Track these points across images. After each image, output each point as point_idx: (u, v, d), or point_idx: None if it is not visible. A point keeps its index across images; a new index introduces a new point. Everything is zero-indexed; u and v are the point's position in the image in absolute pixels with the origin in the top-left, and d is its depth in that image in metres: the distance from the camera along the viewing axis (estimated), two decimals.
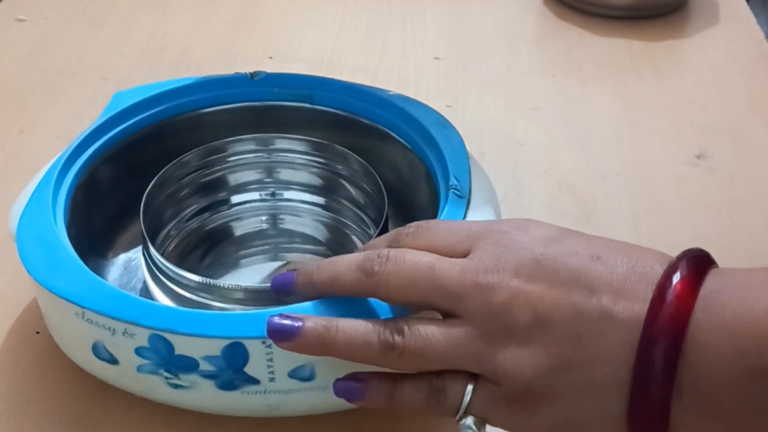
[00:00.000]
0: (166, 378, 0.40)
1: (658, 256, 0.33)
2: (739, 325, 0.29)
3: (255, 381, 0.39)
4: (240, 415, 0.42)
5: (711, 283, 0.31)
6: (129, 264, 0.51)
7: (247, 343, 0.38)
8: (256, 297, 0.42)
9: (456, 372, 0.35)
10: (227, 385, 0.39)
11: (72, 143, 0.49)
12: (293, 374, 0.39)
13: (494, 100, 0.68)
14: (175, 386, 0.40)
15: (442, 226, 0.38)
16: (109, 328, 0.39)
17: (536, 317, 0.32)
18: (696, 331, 0.30)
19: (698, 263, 0.32)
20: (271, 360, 0.38)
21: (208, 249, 0.53)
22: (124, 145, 0.51)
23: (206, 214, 0.54)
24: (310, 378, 0.39)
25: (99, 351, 0.40)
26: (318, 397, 0.40)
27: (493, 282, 0.33)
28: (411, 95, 0.53)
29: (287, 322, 0.36)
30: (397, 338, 0.34)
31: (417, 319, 0.35)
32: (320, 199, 0.54)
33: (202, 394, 0.40)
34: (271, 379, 0.39)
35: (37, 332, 0.48)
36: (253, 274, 0.51)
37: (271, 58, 0.73)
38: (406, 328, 0.35)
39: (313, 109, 0.54)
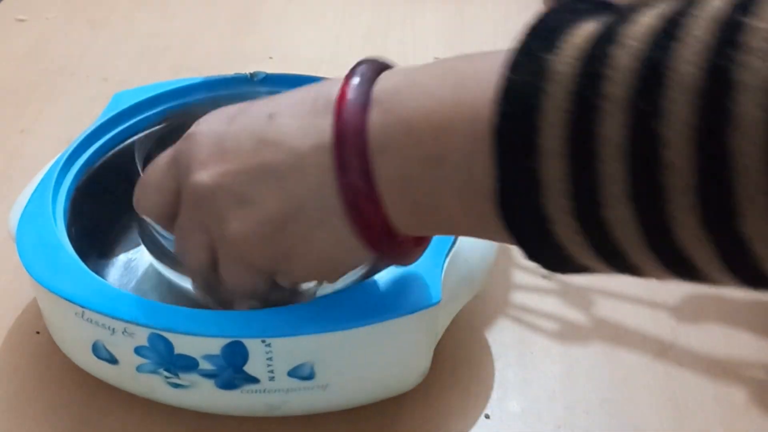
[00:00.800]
0: (166, 377, 0.40)
1: (336, 81, 0.34)
2: (415, 119, 0.31)
3: (255, 380, 0.39)
4: (240, 415, 0.42)
5: (386, 84, 0.33)
6: (129, 264, 0.51)
7: (247, 342, 0.38)
8: None
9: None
10: (227, 385, 0.39)
11: (72, 143, 0.49)
12: (293, 373, 0.39)
13: None
14: (175, 386, 0.40)
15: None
16: (109, 328, 0.39)
17: (238, 198, 0.34)
18: (376, 133, 0.32)
19: (372, 69, 0.34)
20: (270, 359, 0.38)
21: None
22: (124, 145, 0.51)
23: None
24: (310, 377, 0.39)
25: (99, 351, 0.40)
26: (318, 397, 0.40)
27: (190, 185, 0.36)
28: None
29: None
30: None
31: None
32: None
33: (202, 394, 0.40)
34: (271, 378, 0.39)
35: (37, 332, 0.48)
36: None
37: (271, 58, 0.74)
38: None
39: None
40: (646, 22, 0.26)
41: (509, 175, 0.28)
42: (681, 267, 0.27)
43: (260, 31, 0.78)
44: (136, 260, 0.51)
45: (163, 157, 0.39)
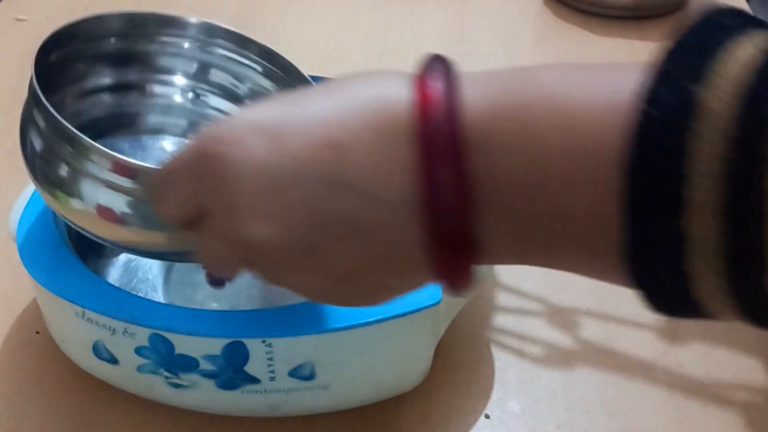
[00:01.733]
0: (167, 377, 0.40)
1: (386, 78, 0.28)
2: (540, 123, 0.25)
3: (255, 380, 0.39)
4: (240, 415, 0.42)
5: (476, 110, 0.26)
6: (129, 264, 0.51)
7: (248, 343, 0.38)
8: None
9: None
10: (227, 385, 0.39)
11: None
12: (293, 373, 0.39)
13: None
14: (176, 386, 0.40)
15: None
16: (110, 328, 0.39)
17: (302, 251, 0.28)
18: (481, 135, 0.26)
19: (446, 75, 0.27)
20: (271, 359, 0.38)
21: (102, 133, 0.46)
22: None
23: (110, 94, 0.47)
24: (310, 377, 0.39)
25: (99, 351, 0.40)
26: (318, 397, 0.40)
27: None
28: None
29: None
30: None
31: None
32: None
33: (203, 394, 0.40)
34: (272, 379, 0.39)
35: (37, 332, 0.48)
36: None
37: None
38: None
39: None
40: None
41: (645, 229, 0.23)
42: None
43: (260, 31, 0.78)
44: (136, 260, 0.51)
45: (183, 166, 0.31)
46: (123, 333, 0.39)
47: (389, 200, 0.27)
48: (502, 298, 0.51)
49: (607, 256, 0.25)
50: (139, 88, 0.47)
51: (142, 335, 0.38)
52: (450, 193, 0.26)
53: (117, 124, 0.47)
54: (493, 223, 0.26)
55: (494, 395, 0.45)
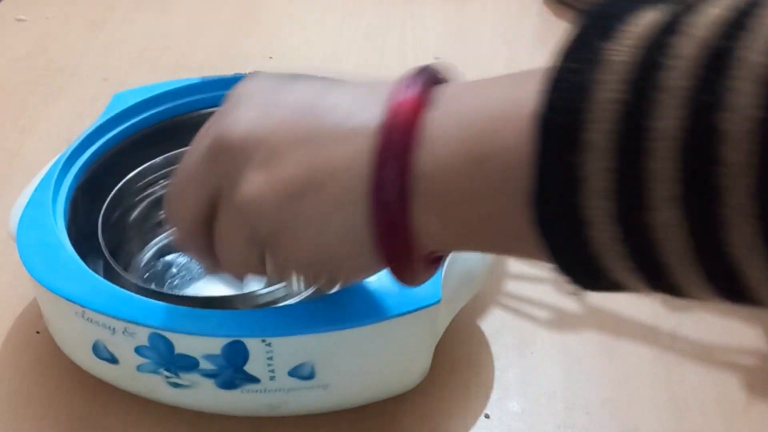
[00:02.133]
0: (166, 377, 0.40)
1: (397, 80, 0.32)
2: (466, 117, 0.28)
3: (255, 380, 0.39)
4: (240, 415, 0.42)
5: (445, 88, 0.30)
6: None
7: (248, 342, 0.38)
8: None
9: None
10: (227, 384, 0.39)
11: (72, 143, 0.49)
12: (293, 373, 0.39)
13: None
14: (176, 385, 0.40)
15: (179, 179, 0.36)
16: (110, 328, 0.39)
17: (266, 152, 0.32)
18: (427, 127, 0.29)
19: (433, 74, 0.31)
20: (271, 359, 0.38)
21: (171, 262, 0.52)
22: (124, 145, 0.51)
23: (168, 226, 0.52)
24: (310, 377, 0.39)
25: (99, 350, 0.40)
26: (318, 396, 0.40)
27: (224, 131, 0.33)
28: None
29: None
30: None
31: None
32: None
33: (203, 393, 0.40)
34: (272, 378, 0.39)
35: (37, 332, 0.48)
36: (217, 284, 0.50)
37: (271, 58, 0.74)
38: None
39: None
40: (713, 12, 0.24)
41: (547, 171, 0.26)
42: (729, 284, 0.24)
43: (260, 31, 0.78)
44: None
45: (197, 159, 0.34)
46: (123, 332, 0.39)
47: (350, 128, 0.31)
48: (503, 299, 0.51)
49: (519, 211, 0.27)
50: None
51: (142, 335, 0.38)
52: (399, 130, 0.29)
53: None
54: (426, 161, 0.29)
55: (494, 395, 0.45)
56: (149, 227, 0.52)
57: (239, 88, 0.34)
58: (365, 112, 0.31)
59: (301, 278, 0.34)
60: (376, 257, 0.31)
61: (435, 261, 0.34)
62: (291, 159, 0.31)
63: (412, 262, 0.31)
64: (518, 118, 0.26)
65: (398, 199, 0.29)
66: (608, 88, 0.24)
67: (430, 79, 0.31)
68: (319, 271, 0.34)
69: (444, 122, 0.29)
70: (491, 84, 0.29)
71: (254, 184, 0.31)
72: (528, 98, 0.26)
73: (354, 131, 0.30)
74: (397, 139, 0.29)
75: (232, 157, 0.32)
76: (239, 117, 0.32)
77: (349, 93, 0.32)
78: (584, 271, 0.27)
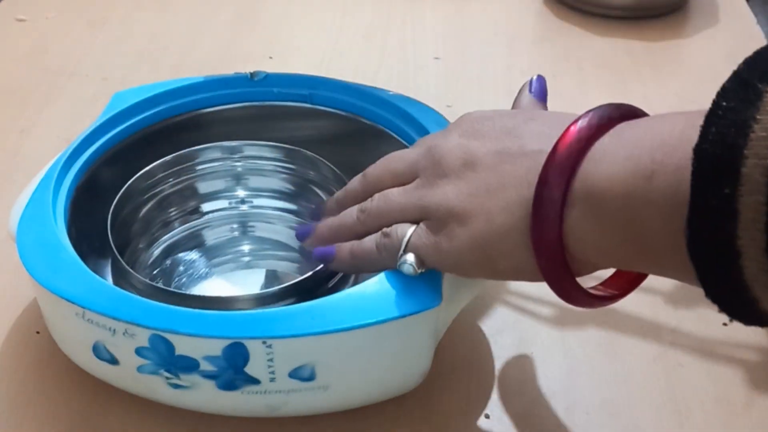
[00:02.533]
0: (167, 378, 0.40)
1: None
2: (637, 139, 0.31)
3: (255, 381, 0.39)
4: (240, 416, 0.42)
5: (627, 123, 0.33)
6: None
7: (248, 343, 0.38)
8: (228, 306, 0.42)
9: (403, 222, 0.40)
10: (228, 385, 0.39)
11: (72, 143, 0.49)
12: (294, 374, 0.39)
13: (494, 100, 0.68)
14: (176, 386, 0.40)
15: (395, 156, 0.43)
16: (110, 329, 0.39)
17: (466, 160, 0.38)
18: (596, 147, 0.33)
19: (618, 108, 0.34)
20: (271, 360, 0.38)
21: (179, 260, 0.53)
22: (124, 145, 0.51)
23: (176, 224, 0.53)
24: (310, 378, 0.39)
25: (99, 351, 0.40)
26: (318, 398, 0.40)
27: (439, 142, 0.40)
28: (411, 95, 0.53)
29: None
30: (369, 203, 0.42)
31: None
32: (291, 206, 0.54)
33: (203, 395, 0.40)
34: (272, 379, 0.39)
35: (37, 332, 0.48)
36: (224, 283, 0.51)
37: (271, 58, 0.74)
38: (376, 195, 0.42)
39: (313, 109, 0.54)
40: None
41: (703, 200, 0.27)
42: None
43: (260, 31, 0.78)
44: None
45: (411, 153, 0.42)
46: (123, 333, 0.39)
47: (527, 152, 0.36)
48: (503, 299, 0.51)
49: (677, 232, 0.29)
50: (193, 212, 0.54)
51: (143, 336, 0.38)
52: (553, 191, 0.33)
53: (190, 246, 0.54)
54: (592, 173, 0.32)
55: (494, 395, 0.45)
56: (157, 225, 0.52)
57: (460, 118, 0.41)
58: (549, 137, 0.35)
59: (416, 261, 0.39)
60: (531, 257, 0.35)
61: (600, 299, 0.37)
62: (481, 167, 0.37)
63: (561, 267, 0.34)
64: (689, 142, 0.28)
65: (557, 201, 0.33)
66: (766, 127, 0.26)
67: (611, 113, 0.34)
68: (475, 263, 0.37)
69: (614, 143, 0.32)
70: (660, 117, 0.32)
71: (448, 189, 0.38)
72: (695, 131, 0.28)
73: (534, 151, 0.35)
74: (565, 153, 0.33)
75: (440, 154, 0.39)
76: (451, 131, 0.40)
77: (542, 122, 0.37)
78: (733, 298, 0.28)
